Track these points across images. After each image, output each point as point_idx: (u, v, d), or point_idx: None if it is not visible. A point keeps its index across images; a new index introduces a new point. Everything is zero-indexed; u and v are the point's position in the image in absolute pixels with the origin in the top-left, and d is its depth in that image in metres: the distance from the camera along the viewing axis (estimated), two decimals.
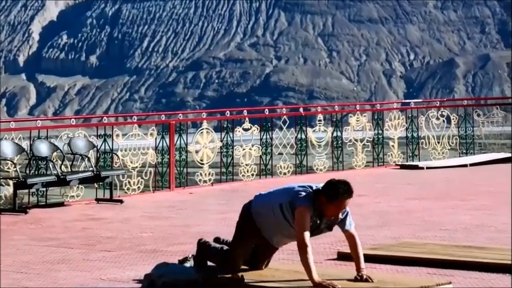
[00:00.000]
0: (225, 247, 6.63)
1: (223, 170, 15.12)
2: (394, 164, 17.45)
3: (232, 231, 7.16)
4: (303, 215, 6.01)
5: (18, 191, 11.86)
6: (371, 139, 17.42)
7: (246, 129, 15.64)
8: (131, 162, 13.76)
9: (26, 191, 12.35)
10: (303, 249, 5.96)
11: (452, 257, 7.17)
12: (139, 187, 13.74)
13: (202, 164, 14.81)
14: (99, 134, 13.66)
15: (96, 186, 13.07)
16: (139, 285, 6.50)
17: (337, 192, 5.99)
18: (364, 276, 6.03)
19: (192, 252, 7.28)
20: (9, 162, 12.12)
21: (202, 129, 15.00)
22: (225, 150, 15.19)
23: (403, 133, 17.95)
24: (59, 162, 12.57)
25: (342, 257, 7.24)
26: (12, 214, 11.23)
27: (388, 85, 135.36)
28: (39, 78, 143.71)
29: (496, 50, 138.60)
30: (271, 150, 15.77)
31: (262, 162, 15.68)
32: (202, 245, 6.77)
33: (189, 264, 6.88)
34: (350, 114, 17.62)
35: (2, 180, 12.06)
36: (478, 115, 18.86)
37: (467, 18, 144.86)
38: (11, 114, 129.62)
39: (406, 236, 8.65)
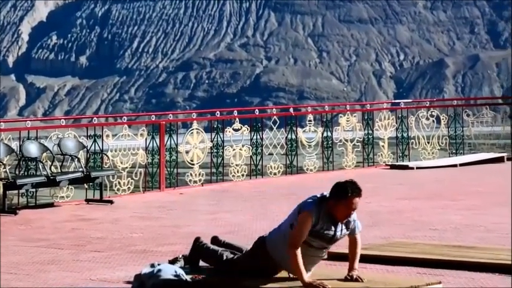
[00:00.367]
0: (225, 253, 6.55)
1: (214, 170, 15.12)
2: (384, 164, 17.47)
3: (222, 231, 7.17)
4: (304, 220, 5.98)
5: (7, 192, 11.83)
6: (361, 139, 17.44)
7: (236, 130, 15.65)
8: (121, 163, 13.74)
9: (16, 191, 12.30)
10: (293, 250, 5.96)
11: (442, 257, 7.19)
12: (129, 187, 13.72)
13: (193, 164, 14.80)
14: (89, 134, 13.64)
15: (86, 186, 13.05)
16: (129, 285, 6.48)
17: (346, 191, 5.98)
18: (355, 276, 6.04)
19: (182, 253, 7.28)
20: None
21: (193, 129, 14.99)
22: (215, 150, 15.18)
23: (393, 133, 17.98)
24: (49, 162, 12.54)
25: (332, 257, 7.24)
26: (2, 215, 11.19)
27: (378, 85, 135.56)
28: (29, 78, 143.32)
29: (485, 50, 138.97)
30: (262, 150, 15.77)
31: (252, 163, 15.69)
32: (199, 246, 6.75)
33: (179, 264, 6.88)
34: (340, 115, 17.63)
35: None
36: (468, 115, 18.91)
37: (457, 18, 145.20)
38: (0, 115, 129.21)
39: (396, 236, 8.66)
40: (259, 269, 6.23)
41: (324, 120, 17.10)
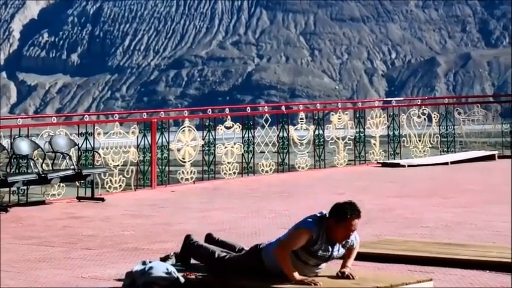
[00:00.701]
0: (216, 252, 6.56)
1: (205, 168, 15.12)
2: (375, 162, 17.50)
3: (214, 229, 7.18)
4: (300, 235, 5.97)
5: None
6: (353, 137, 17.46)
7: (228, 128, 15.65)
8: (113, 161, 13.73)
9: (7, 189, 12.28)
10: (281, 250, 5.97)
11: (433, 254, 7.20)
12: (120, 185, 13.71)
13: (184, 162, 14.80)
14: (80, 132, 13.62)
15: (78, 184, 13.03)
16: (121, 283, 6.48)
17: (345, 213, 5.98)
18: (346, 273, 6.05)
19: (174, 250, 7.28)
20: None
21: (184, 127, 14.99)
22: (207, 148, 15.18)
23: (384, 131, 18.01)
24: (40, 160, 12.52)
25: None
26: None
27: (369, 83, 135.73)
28: (20, 76, 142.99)
29: (476, 48, 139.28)
30: (253, 148, 15.78)
31: (244, 161, 15.69)
32: (190, 244, 6.75)
33: (171, 262, 6.88)
34: (332, 113, 17.65)
35: None
36: (459, 113, 18.95)
37: (448, 17, 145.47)
38: None
39: (387, 234, 8.68)
40: (252, 270, 6.23)
41: (316, 118, 17.11)
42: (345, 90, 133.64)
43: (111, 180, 13.57)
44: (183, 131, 14.99)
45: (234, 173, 15.43)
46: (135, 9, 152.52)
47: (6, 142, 12.47)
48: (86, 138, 13.52)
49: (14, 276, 7.03)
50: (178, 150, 14.86)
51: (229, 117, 15.87)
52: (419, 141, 18.26)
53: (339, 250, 6.11)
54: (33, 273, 7.12)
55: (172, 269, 6.38)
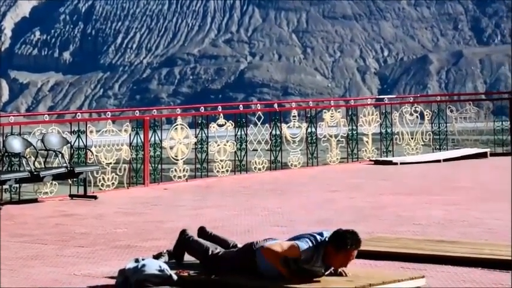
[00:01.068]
0: (210, 248, 6.56)
1: (198, 165, 15.11)
2: (368, 159, 17.52)
3: (207, 226, 7.16)
4: (292, 251, 5.95)
5: None
6: (345, 135, 17.48)
7: (220, 125, 15.64)
8: (105, 158, 13.71)
9: None
10: (271, 252, 5.98)
11: (425, 251, 7.22)
12: (113, 183, 13.70)
13: (177, 160, 14.79)
14: (72, 130, 13.60)
15: (70, 182, 13.01)
16: (113, 281, 6.48)
17: (346, 243, 5.93)
18: (339, 271, 6.06)
19: (166, 248, 7.28)
20: None
21: (177, 125, 14.98)
22: (199, 146, 15.17)
23: (377, 129, 18.02)
24: (32, 158, 12.50)
25: None
26: None
27: (362, 81, 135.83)
28: (12, 74, 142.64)
29: (468, 46, 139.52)
30: (246, 146, 15.78)
31: (237, 158, 15.69)
32: (184, 239, 6.76)
33: (164, 259, 6.88)
34: (324, 110, 17.66)
35: None
36: (451, 111, 18.98)
37: (441, 14, 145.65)
38: None
39: (380, 231, 8.69)
40: (246, 269, 6.24)
41: (308, 116, 17.12)
42: (338, 88, 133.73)
43: (103, 178, 13.56)
44: (176, 129, 14.98)
45: (227, 170, 15.43)
46: (127, 7, 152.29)
47: None
48: (79, 136, 13.49)
49: (6, 273, 7.02)
50: (171, 148, 14.85)
51: (221, 115, 15.87)
52: (412, 138, 18.29)
53: (331, 272, 6.12)
54: (25, 271, 7.12)
55: (165, 267, 6.39)
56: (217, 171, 15.32)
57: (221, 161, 15.38)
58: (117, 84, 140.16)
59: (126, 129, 14.27)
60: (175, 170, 14.69)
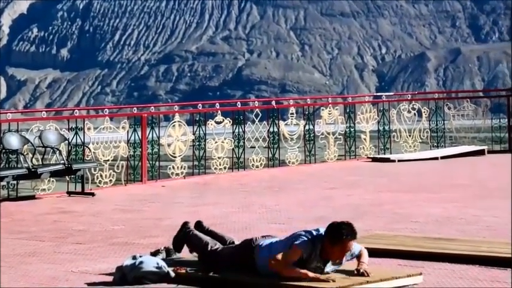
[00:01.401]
0: (210, 243, 6.56)
1: (196, 163, 15.11)
2: (366, 157, 17.52)
3: (205, 223, 7.16)
4: (293, 253, 5.95)
5: None
6: (343, 132, 17.47)
7: (218, 123, 15.64)
8: (103, 155, 13.71)
9: None
10: (281, 267, 5.94)
11: (423, 249, 7.23)
12: (111, 180, 13.69)
13: (175, 157, 14.79)
14: (70, 127, 13.59)
15: (68, 179, 13.01)
16: (111, 277, 6.48)
17: (341, 235, 5.92)
18: (361, 270, 6.03)
19: (164, 245, 7.29)
20: None
21: (175, 122, 14.97)
22: (197, 143, 15.17)
23: (374, 126, 18.03)
24: (30, 155, 12.49)
25: None
26: None
27: (360, 79, 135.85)
28: (10, 71, 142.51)
29: (466, 44, 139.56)
30: (244, 143, 15.77)
31: (234, 155, 15.69)
32: (185, 232, 6.78)
33: (161, 256, 6.89)
34: (322, 108, 17.66)
35: None
36: (449, 108, 18.99)
37: (438, 12, 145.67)
38: None
39: (377, 228, 8.70)
40: (245, 265, 6.24)
41: (306, 113, 17.12)
42: (335, 85, 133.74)
43: (101, 175, 13.56)
44: (174, 126, 14.98)
45: (225, 168, 15.43)
46: (125, 4, 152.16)
47: None
48: (76, 133, 13.49)
49: (4, 270, 7.02)
50: (169, 145, 14.85)
51: (219, 112, 15.86)
52: (410, 136, 18.29)
53: (331, 267, 6.12)
54: (23, 268, 7.12)
55: (163, 264, 6.39)
56: (215, 169, 15.32)
57: (219, 158, 15.38)
58: (114, 81, 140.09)
59: (124, 126, 14.26)
60: (173, 167, 14.68)
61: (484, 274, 6.47)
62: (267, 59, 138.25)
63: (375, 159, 17.24)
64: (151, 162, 14.36)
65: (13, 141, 12.15)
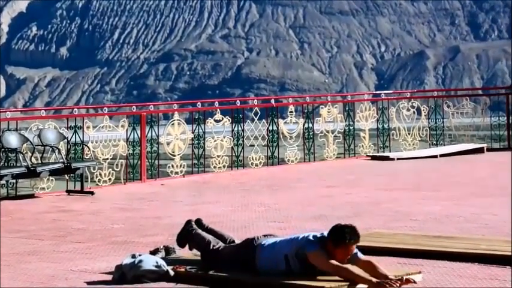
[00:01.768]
0: (212, 242, 6.58)
1: (195, 161, 15.11)
2: (365, 155, 17.53)
3: (204, 222, 7.16)
4: (318, 257, 5.93)
5: None
6: (342, 130, 17.48)
7: (217, 121, 15.64)
8: (102, 154, 13.71)
9: None
10: (339, 268, 5.89)
11: (422, 247, 7.22)
12: (110, 179, 13.69)
13: (174, 155, 14.79)
14: (69, 125, 13.59)
15: (67, 178, 13.01)
16: (110, 276, 6.48)
17: (344, 238, 5.91)
18: (404, 278, 5.92)
19: (163, 244, 7.29)
20: None
21: (174, 120, 14.97)
22: (196, 141, 15.17)
23: (374, 124, 18.03)
24: (29, 154, 12.49)
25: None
26: None
27: (359, 77, 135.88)
28: (9, 70, 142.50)
29: (465, 42, 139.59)
30: (243, 141, 15.77)
31: (233, 154, 15.69)
32: (188, 231, 6.79)
33: (161, 255, 6.89)
34: (321, 106, 17.66)
35: None
36: (448, 106, 18.99)
37: (437, 10, 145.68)
38: None
39: (376, 227, 8.70)
40: (246, 264, 6.24)
41: (305, 111, 17.12)
42: (335, 83, 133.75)
43: (100, 174, 13.56)
44: (173, 124, 14.98)
45: (224, 166, 15.43)
46: (124, 3, 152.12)
47: None
48: (75, 132, 13.49)
49: (3, 269, 7.01)
50: (168, 143, 14.84)
51: (218, 110, 15.86)
52: (409, 134, 18.30)
53: None
54: (22, 267, 7.11)
55: (162, 262, 6.39)
56: (214, 167, 15.32)
57: (218, 156, 15.38)
58: (114, 79, 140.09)
59: (123, 125, 14.26)
60: (172, 165, 14.68)
61: (483, 272, 6.47)
62: (266, 57, 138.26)
63: (374, 158, 17.24)
64: (150, 160, 14.36)
65: (12, 140, 12.15)
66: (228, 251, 6.43)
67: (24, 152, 12.29)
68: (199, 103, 15.91)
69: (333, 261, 5.91)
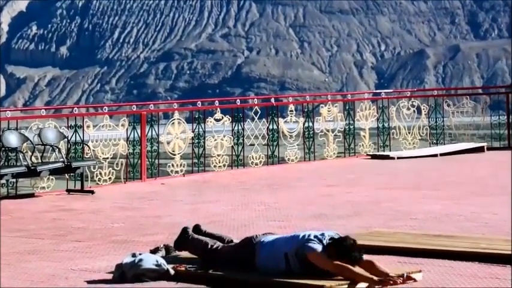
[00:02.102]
0: (209, 243, 6.57)
1: (195, 160, 15.11)
2: (365, 154, 17.52)
3: (204, 221, 7.18)
4: (319, 257, 5.94)
5: None
6: (342, 129, 17.47)
7: (217, 120, 15.64)
8: (102, 153, 13.71)
9: None
10: (340, 267, 5.89)
11: (422, 246, 7.22)
12: (110, 178, 13.69)
13: (174, 154, 14.79)
14: (69, 124, 13.59)
15: (67, 177, 13.01)
16: (111, 275, 6.48)
17: (350, 256, 5.91)
18: (405, 275, 5.96)
19: (163, 243, 7.29)
20: None
21: (174, 120, 14.97)
22: (196, 140, 15.17)
23: (374, 123, 18.03)
24: (29, 153, 12.49)
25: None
26: None
27: (359, 76, 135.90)
28: (9, 69, 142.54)
29: (465, 41, 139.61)
30: (243, 140, 15.77)
31: (234, 153, 15.69)
32: (185, 238, 6.78)
33: (161, 254, 6.89)
34: (321, 105, 17.66)
35: None
36: (448, 105, 18.99)
37: (438, 9, 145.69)
38: None
39: (376, 226, 8.69)
40: (245, 262, 6.24)
41: (306, 110, 17.12)
42: (335, 82, 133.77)
43: (100, 173, 13.56)
44: (173, 123, 14.97)
45: (224, 165, 15.43)
46: (124, 2, 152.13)
47: None
48: (76, 131, 13.49)
49: (4, 268, 7.01)
50: (168, 142, 14.84)
51: (218, 109, 15.86)
52: (409, 133, 18.29)
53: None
54: (22, 266, 7.11)
55: (162, 261, 6.39)
56: (214, 166, 15.32)
57: (218, 155, 15.37)
58: (114, 79, 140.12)
59: (123, 124, 14.26)
60: (172, 164, 14.68)
61: (483, 271, 6.47)
62: (266, 56, 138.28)
63: (374, 157, 17.24)
64: (150, 160, 14.36)
65: (12, 139, 12.15)
66: (227, 251, 6.42)
67: (24, 151, 12.29)
68: (199, 102, 15.90)
69: (334, 261, 5.91)
